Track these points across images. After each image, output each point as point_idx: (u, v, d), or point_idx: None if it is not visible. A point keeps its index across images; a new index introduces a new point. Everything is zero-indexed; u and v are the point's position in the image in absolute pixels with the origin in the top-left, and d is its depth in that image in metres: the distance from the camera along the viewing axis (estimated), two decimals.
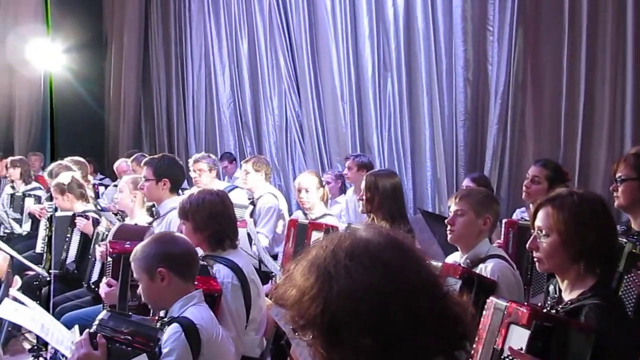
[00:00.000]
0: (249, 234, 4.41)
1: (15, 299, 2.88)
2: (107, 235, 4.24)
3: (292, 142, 8.05)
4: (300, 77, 7.77)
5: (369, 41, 6.85)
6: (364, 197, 3.81)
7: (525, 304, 2.21)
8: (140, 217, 4.53)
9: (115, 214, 5.71)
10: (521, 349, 1.88)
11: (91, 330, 2.24)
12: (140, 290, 3.40)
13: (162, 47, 10.48)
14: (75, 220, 4.83)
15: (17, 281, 3.94)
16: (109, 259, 3.55)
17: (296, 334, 1.25)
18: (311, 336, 1.22)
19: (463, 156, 6.02)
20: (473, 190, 3.16)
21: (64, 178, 5.05)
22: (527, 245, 2.24)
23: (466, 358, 1.28)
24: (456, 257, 3.09)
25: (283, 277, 1.28)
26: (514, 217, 4.46)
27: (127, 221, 4.70)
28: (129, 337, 2.23)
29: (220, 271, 3.00)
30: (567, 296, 2.12)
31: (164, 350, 2.25)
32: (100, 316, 2.35)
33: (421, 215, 4.57)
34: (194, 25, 9.73)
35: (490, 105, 5.79)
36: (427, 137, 6.37)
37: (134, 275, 2.55)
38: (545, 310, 2.00)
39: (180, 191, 4.55)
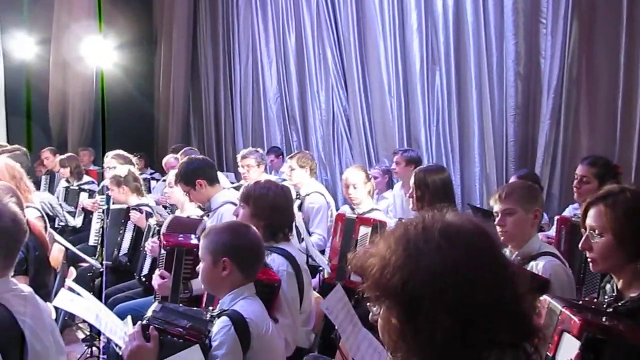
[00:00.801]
0: (297, 228, 4.42)
1: (71, 289, 2.93)
2: (158, 229, 4.29)
3: (339, 137, 8.04)
4: (347, 71, 7.74)
5: (417, 34, 6.78)
6: (414, 195, 3.75)
7: (579, 302, 2.13)
8: (191, 210, 4.57)
9: (165, 207, 5.81)
10: None
11: (143, 322, 2.24)
12: (192, 282, 3.49)
13: (210, 42, 10.58)
14: (130, 214, 4.91)
15: (72, 272, 4.03)
16: (162, 251, 3.61)
17: (368, 303, 1.27)
18: (385, 306, 1.24)
19: (513, 151, 5.91)
20: (515, 185, 3.04)
21: (121, 171, 5.14)
22: (579, 246, 2.17)
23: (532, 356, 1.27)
24: (506, 254, 3.02)
25: (363, 249, 1.29)
26: (566, 213, 4.36)
27: (178, 214, 4.76)
28: (181, 329, 2.23)
29: (275, 260, 3.02)
30: (626, 294, 2.06)
31: (214, 344, 2.25)
32: (152, 308, 2.36)
33: (470, 212, 4.51)
34: (241, 20, 9.79)
35: (542, 99, 5.67)
36: (476, 132, 6.28)
37: (199, 252, 2.56)
38: (603, 320, 1.90)
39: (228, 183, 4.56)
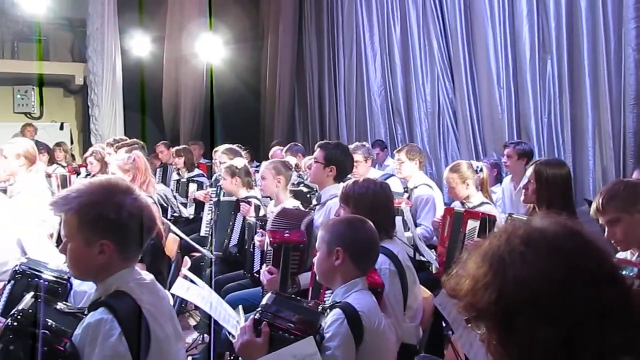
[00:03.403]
0: (404, 221, 4.37)
1: (186, 278, 3.04)
2: (260, 224, 4.34)
3: (445, 129, 7.90)
4: (454, 61, 7.59)
5: (527, 21, 6.54)
6: (531, 188, 3.61)
7: None
8: (287, 202, 4.60)
9: (272, 199, 5.91)
10: None
11: (256, 317, 2.26)
12: (299, 277, 3.53)
13: (315, 36, 10.68)
14: (240, 205, 5.02)
15: (187, 261, 4.18)
16: (269, 247, 3.67)
17: (469, 325, 1.23)
18: (484, 328, 1.19)
19: (632, 144, 5.56)
20: (611, 190, 2.76)
21: (238, 162, 5.29)
22: None
23: None
24: (626, 254, 2.84)
25: (455, 268, 1.26)
26: None
27: (272, 205, 4.82)
28: (292, 325, 2.24)
29: (378, 258, 2.99)
30: None
31: (326, 335, 2.25)
32: (264, 301, 2.37)
33: (588, 207, 4.29)
34: (345, 13, 9.82)
35: None
36: (590, 123, 5.97)
37: (317, 244, 2.59)
38: None
39: None
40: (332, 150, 4.17)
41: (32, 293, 2.02)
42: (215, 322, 2.94)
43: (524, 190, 3.72)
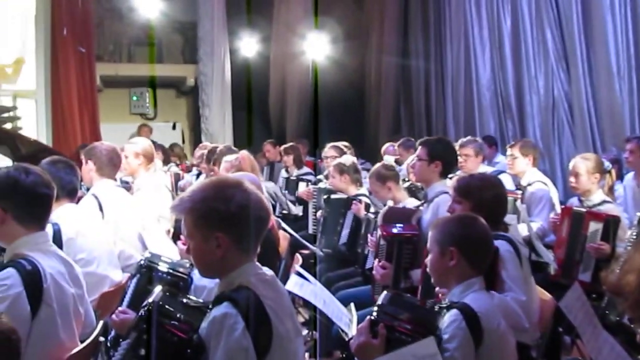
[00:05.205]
0: (518, 218, 4.23)
1: (299, 275, 3.07)
2: (376, 220, 4.32)
3: (560, 124, 7.54)
4: (569, 52, 7.24)
5: None
6: None
7: None
8: (407, 202, 4.54)
9: None
10: None
11: (372, 318, 2.25)
12: (413, 272, 3.49)
13: (421, 31, 10.53)
14: (351, 203, 5.01)
15: (299, 258, 4.22)
16: (382, 242, 3.65)
17: (632, 325, 1.15)
18: None
19: None
20: None
21: (346, 160, 5.33)
22: None
23: None
24: None
25: (618, 265, 1.18)
26: None
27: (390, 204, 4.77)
28: (409, 327, 2.21)
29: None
30: None
31: (444, 337, 2.20)
32: (379, 300, 2.35)
33: None
34: (453, 7, 9.62)
35: None
36: None
37: (427, 244, 2.55)
38: None
39: None
40: (435, 145, 4.06)
41: (160, 286, 2.10)
42: (325, 317, 2.95)
43: None
